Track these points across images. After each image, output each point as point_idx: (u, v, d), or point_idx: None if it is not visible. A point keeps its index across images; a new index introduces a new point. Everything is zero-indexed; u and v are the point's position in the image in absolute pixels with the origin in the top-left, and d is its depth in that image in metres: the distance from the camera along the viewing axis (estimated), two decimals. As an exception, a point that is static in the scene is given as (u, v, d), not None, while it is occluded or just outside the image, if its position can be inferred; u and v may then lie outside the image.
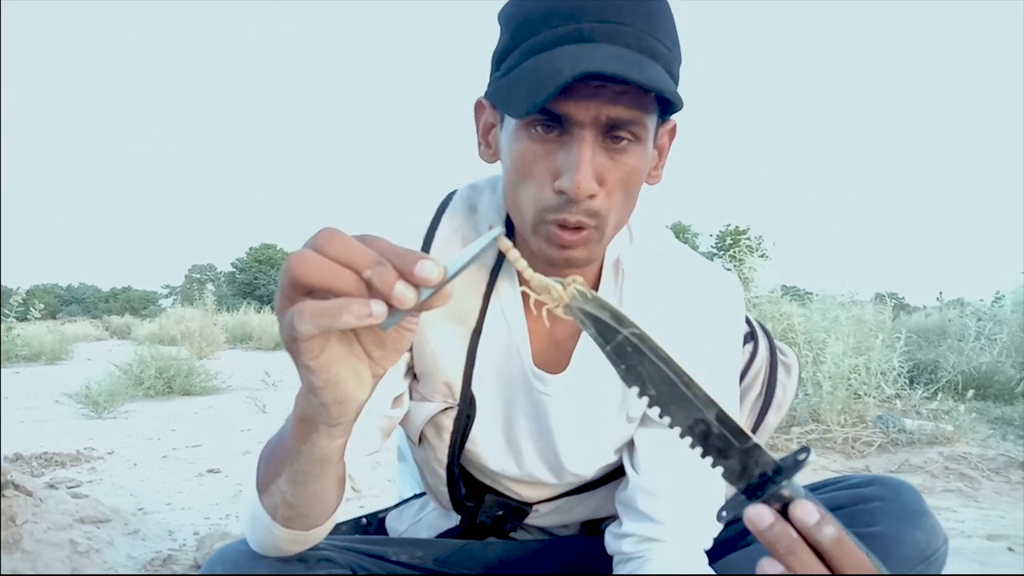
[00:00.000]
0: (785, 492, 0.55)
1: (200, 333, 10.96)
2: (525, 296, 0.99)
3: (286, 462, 0.71)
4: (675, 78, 0.84)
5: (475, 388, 1.00)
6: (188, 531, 2.21)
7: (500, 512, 1.14)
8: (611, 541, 1.04)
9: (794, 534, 0.53)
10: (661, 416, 0.58)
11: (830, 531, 0.53)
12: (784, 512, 0.55)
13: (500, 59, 0.86)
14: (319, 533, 0.84)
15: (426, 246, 0.98)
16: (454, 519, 1.18)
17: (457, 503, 1.11)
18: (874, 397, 3.71)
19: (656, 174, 0.93)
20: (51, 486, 2.99)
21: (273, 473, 0.75)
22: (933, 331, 7.46)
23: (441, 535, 1.19)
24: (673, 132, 0.94)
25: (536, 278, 0.59)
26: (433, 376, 0.99)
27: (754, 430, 1.28)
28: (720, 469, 0.58)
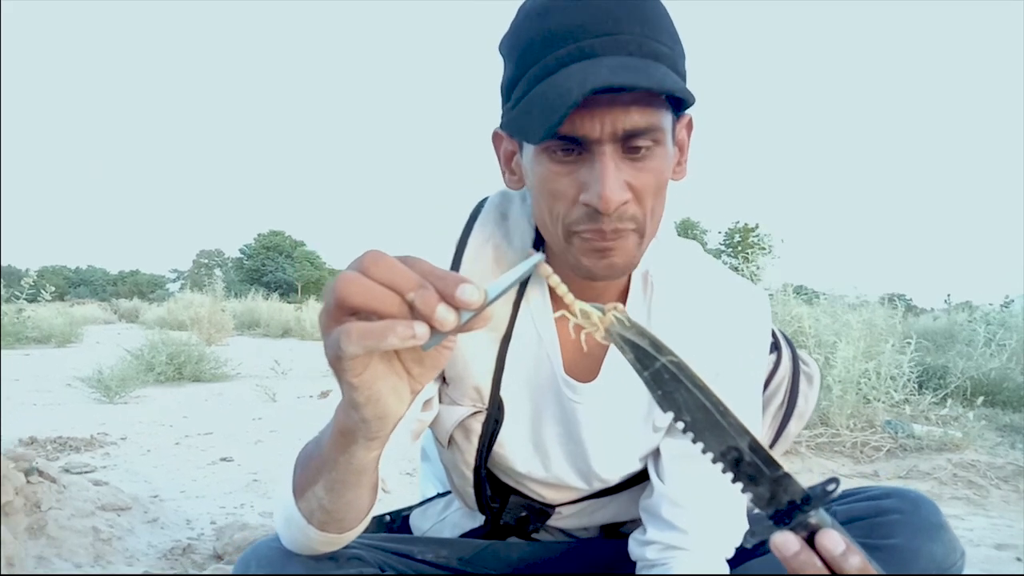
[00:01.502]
0: (812, 520, 0.57)
1: (209, 319, 11.02)
2: (555, 305, 1.01)
3: (323, 470, 0.74)
4: (682, 75, 0.85)
5: (504, 393, 1.02)
6: (205, 520, 2.24)
7: (524, 513, 1.16)
8: (635, 547, 1.06)
9: (819, 563, 0.56)
10: (695, 441, 0.60)
11: (855, 561, 0.55)
12: (810, 540, 0.57)
13: (509, 89, 0.87)
14: (352, 535, 0.86)
15: (459, 253, 1.00)
16: (478, 519, 1.20)
17: (482, 504, 1.13)
18: (883, 402, 3.72)
19: (680, 170, 0.94)
20: (66, 471, 3.04)
21: (310, 480, 0.77)
22: (941, 334, 7.46)
23: (465, 535, 1.21)
24: (690, 126, 0.94)
25: (577, 304, 0.61)
26: (463, 381, 1.02)
27: (776, 438, 1.30)
28: (749, 495, 0.59)
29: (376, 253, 0.55)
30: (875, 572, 0.56)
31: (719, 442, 0.60)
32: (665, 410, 0.60)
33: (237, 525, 1.94)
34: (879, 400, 3.71)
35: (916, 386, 4.11)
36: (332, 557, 0.93)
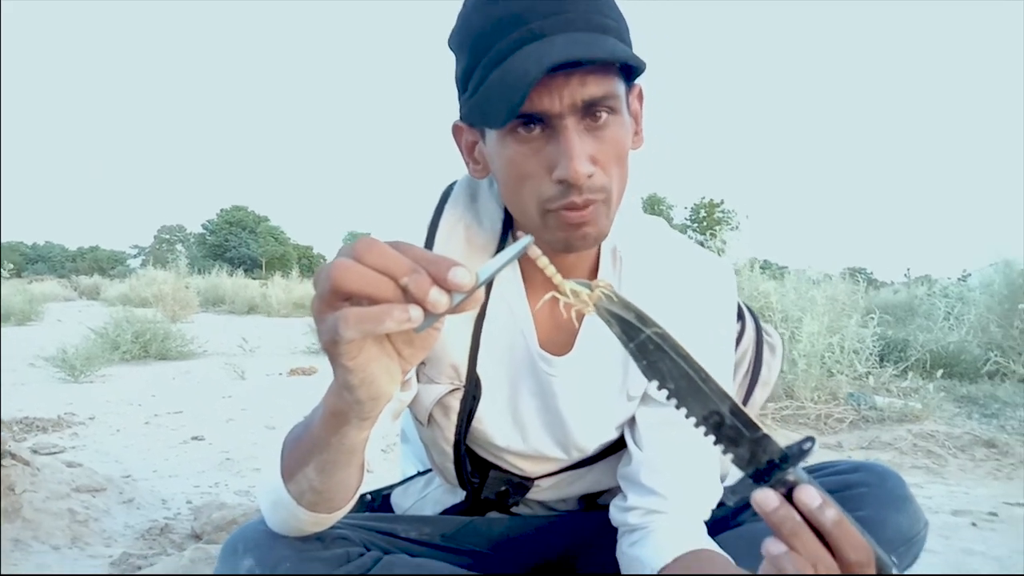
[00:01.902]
0: (790, 478, 0.61)
1: (173, 296, 10.89)
2: (528, 283, 1.03)
3: (315, 451, 0.76)
4: (629, 45, 0.88)
5: (480, 370, 1.05)
6: (181, 500, 2.24)
7: (504, 487, 1.19)
8: (616, 514, 1.09)
9: (797, 517, 0.59)
10: (678, 407, 0.63)
11: (831, 514, 0.59)
12: (789, 496, 0.60)
13: (465, 80, 0.89)
14: (340, 514, 0.89)
15: (431, 235, 1.03)
16: (459, 495, 1.23)
17: (463, 479, 1.16)
18: (846, 375, 3.82)
19: (637, 139, 0.97)
20: (36, 452, 3.00)
21: (300, 462, 0.79)
22: (901, 308, 7.64)
23: (446, 511, 1.24)
24: (641, 96, 0.98)
25: (566, 284, 0.64)
26: (440, 359, 1.04)
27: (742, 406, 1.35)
28: (730, 456, 0.63)
29: (369, 240, 0.57)
30: (850, 523, 0.60)
31: (702, 407, 0.63)
32: (650, 379, 0.63)
33: (215, 504, 1.95)
34: (842, 373, 3.80)
35: (878, 359, 4.22)
36: (319, 537, 0.95)
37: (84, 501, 1.87)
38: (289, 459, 0.82)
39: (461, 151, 1.00)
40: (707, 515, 1.07)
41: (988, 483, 2.71)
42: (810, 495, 0.59)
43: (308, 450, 0.77)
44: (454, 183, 1.09)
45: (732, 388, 1.24)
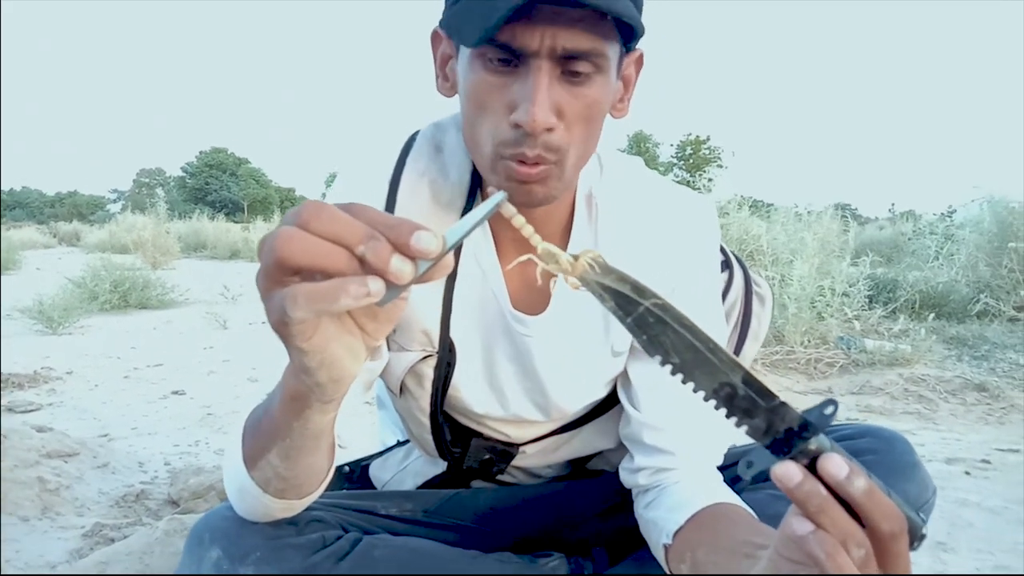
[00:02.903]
0: (812, 447, 0.54)
1: (153, 242, 10.71)
2: (497, 240, 0.96)
3: (276, 437, 0.70)
4: (638, 6, 0.79)
5: (453, 334, 0.98)
6: (159, 461, 2.18)
7: (487, 456, 1.12)
8: (626, 476, 1.04)
9: (824, 492, 0.52)
10: (685, 382, 0.57)
11: (860, 483, 0.52)
12: (811, 468, 0.54)
13: None
14: (312, 499, 0.83)
15: (392, 191, 0.94)
16: (440, 466, 1.17)
17: (443, 450, 1.10)
18: (836, 318, 3.77)
19: (622, 107, 0.89)
20: (10, 410, 2.93)
21: (263, 448, 0.73)
22: (887, 245, 7.61)
23: (427, 482, 1.18)
24: (640, 62, 0.89)
25: (543, 246, 0.56)
26: (410, 325, 0.97)
27: None
28: (745, 428, 0.57)
29: (315, 204, 0.49)
30: (880, 491, 0.53)
31: (711, 380, 0.57)
32: (652, 355, 0.57)
33: (192, 469, 1.88)
34: (832, 316, 3.76)
35: (867, 300, 4.18)
36: (292, 522, 0.89)
37: (55, 467, 1.80)
38: (251, 444, 0.76)
39: (435, 62, 0.90)
40: (719, 461, 1.02)
41: (980, 428, 2.69)
42: (836, 464, 0.52)
43: (270, 435, 0.71)
44: (416, 133, 0.99)
45: (724, 333, 1.17)
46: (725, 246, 1.30)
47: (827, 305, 3.75)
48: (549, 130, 0.76)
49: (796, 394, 3.15)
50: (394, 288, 0.48)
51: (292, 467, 0.73)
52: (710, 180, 5.71)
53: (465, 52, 0.80)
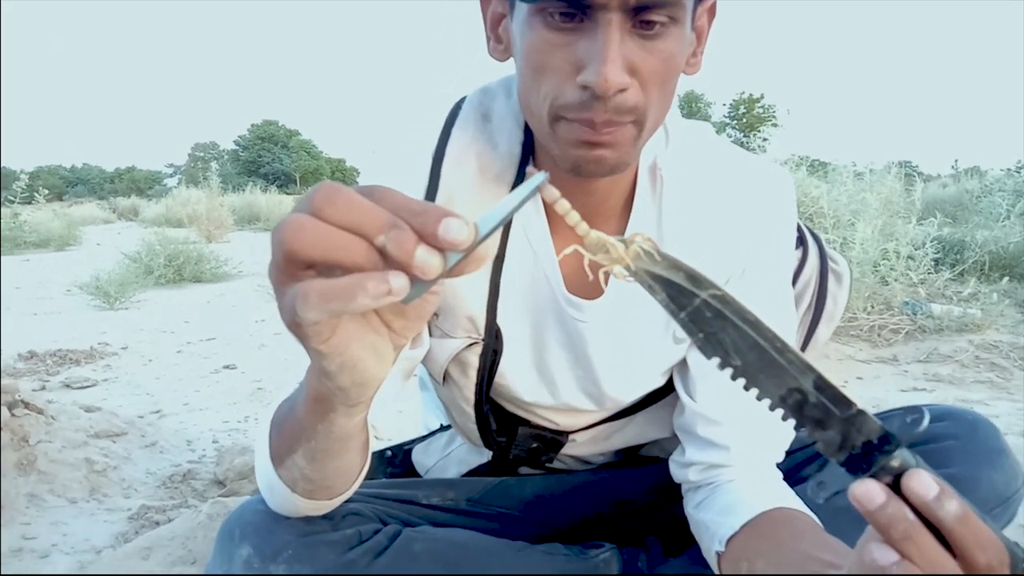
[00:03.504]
0: (895, 463, 0.47)
1: (207, 216, 10.86)
2: (551, 217, 0.88)
3: (301, 439, 0.64)
4: None
5: (501, 321, 0.91)
6: (207, 439, 2.18)
7: (534, 444, 1.06)
8: (676, 470, 0.97)
9: (911, 516, 0.45)
10: (748, 388, 0.49)
11: (952, 506, 0.45)
12: (894, 486, 0.47)
13: None
14: (343, 498, 0.79)
15: (436, 166, 0.86)
16: (485, 454, 1.11)
17: (488, 440, 1.04)
18: (901, 282, 3.60)
19: (694, 62, 0.80)
20: (67, 386, 2.98)
21: (288, 447, 0.68)
22: (951, 203, 7.28)
23: (472, 471, 1.12)
24: (713, 11, 0.80)
25: (592, 235, 0.49)
26: (455, 311, 0.90)
27: (804, 345, 1.19)
28: (818, 442, 0.50)
29: (330, 187, 0.42)
30: (976, 516, 0.46)
31: (778, 385, 0.50)
32: (709, 356, 0.49)
33: (238, 448, 1.86)
34: (897, 281, 3.59)
35: (932, 263, 3.98)
36: (327, 516, 0.84)
37: (103, 448, 1.80)
38: (277, 441, 0.71)
39: (485, 23, 0.82)
40: (780, 458, 0.93)
41: (1059, 398, 2.53)
42: (924, 483, 0.45)
43: (295, 436, 0.65)
44: (462, 100, 0.91)
45: (795, 320, 1.07)
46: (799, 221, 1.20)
47: (891, 269, 3.58)
48: (621, 91, 0.68)
49: (859, 363, 3.02)
50: (420, 283, 0.41)
51: (319, 469, 0.68)
52: (765, 140, 5.52)
53: (522, 9, 0.72)
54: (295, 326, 0.44)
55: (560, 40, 0.69)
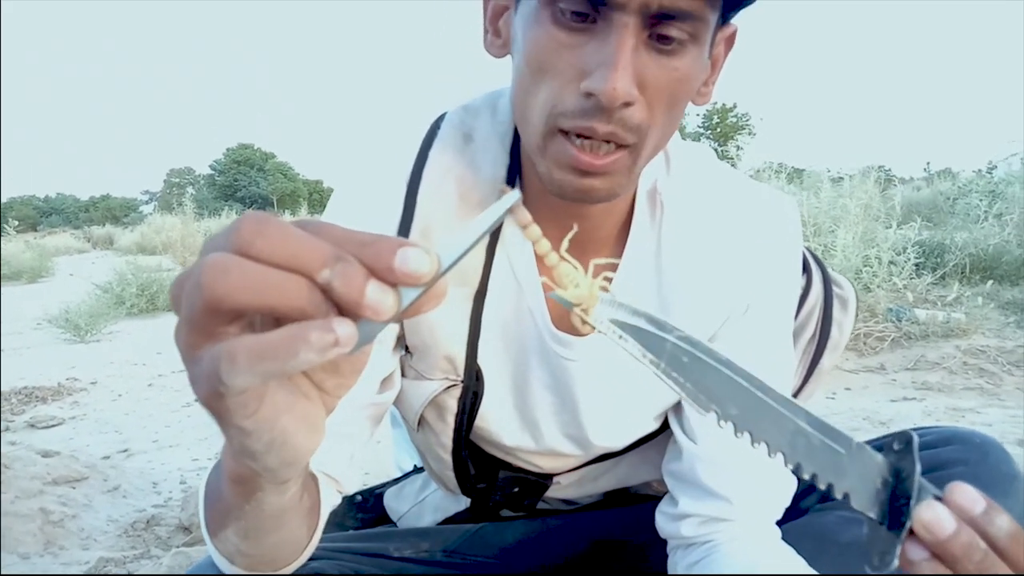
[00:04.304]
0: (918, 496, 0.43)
1: (182, 242, 10.74)
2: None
3: (230, 516, 0.56)
4: None
5: (482, 360, 0.83)
6: (174, 479, 2.08)
7: (516, 489, 0.98)
8: (665, 523, 0.88)
9: (983, 545, 0.42)
10: (755, 443, 0.43)
11: (1004, 523, 0.43)
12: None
13: None
14: (296, 566, 0.69)
15: (412, 191, 0.78)
16: (463, 500, 1.03)
17: (466, 487, 0.95)
18: (884, 288, 3.57)
19: (706, 91, 0.73)
20: (32, 426, 2.86)
21: (219, 522, 0.59)
22: (926, 206, 7.30)
23: (449, 519, 1.04)
24: (732, 40, 0.73)
25: (561, 266, 0.43)
26: (431, 350, 0.81)
27: (808, 375, 1.11)
28: (841, 493, 0.45)
29: (258, 217, 0.34)
30: None
31: (779, 430, 0.44)
32: (705, 408, 0.44)
33: (205, 490, 1.77)
34: (880, 287, 3.55)
35: (914, 268, 3.95)
36: None
37: (61, 495, 1.70)
38: (209, 513, 0.62)
39: (484, 13, 0.74)
40: (780, 514, 0.86)
41: (1051, 403, 2.49)
42: (970, 497, 0.43)
43: (223, 513, 0.56)
44: (440, 119, 0.82)
45: (793, 360, 1.00)
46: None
47: (874, 275, 3.54)
48: (627, 104, 0.61)
49: (847, 372, 2.97)
50: (368, 328, 0.35)
51: (256, 546, 0.60)
52: (739, 148, 5.50)
53: (529, 2, 0.65)
54: (215, 398, 0.35)
55: (568, 40, 0.62)
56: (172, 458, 2.34)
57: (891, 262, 3.64)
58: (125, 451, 2.45)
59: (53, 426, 2.87)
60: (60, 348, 4.75)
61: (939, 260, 4.57)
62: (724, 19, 0.67)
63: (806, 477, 0.44)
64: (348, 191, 0.81)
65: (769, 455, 0.44)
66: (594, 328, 0.44)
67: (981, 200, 5.26)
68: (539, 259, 0.80)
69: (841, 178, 4.98)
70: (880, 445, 0.46)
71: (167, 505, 1.84)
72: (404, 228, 0.77)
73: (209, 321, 0.34)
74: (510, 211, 0.38)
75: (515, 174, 0.78)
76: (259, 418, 0.37)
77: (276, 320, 0.34)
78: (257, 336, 0.33)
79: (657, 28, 0.60)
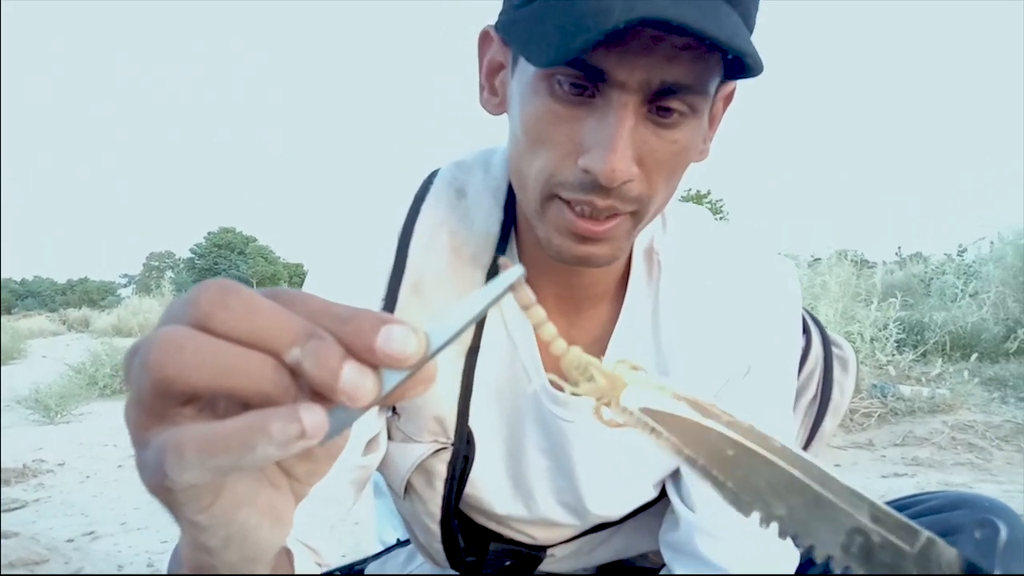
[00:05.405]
0: None
1: (159, 324, 10.59)
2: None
3: None
4: (751, 28, 0.62)
5: (473, 422, 0.79)
6: (141, 561, 1.98)
7: (508, 563, 0.92)
8: None
9: None
10: (799, 543, 0.37)
11: None
12: None
13: None
14: None
15: (403, 245, 0.76)
16: (451, 574, 0.97)
17: (455, 560, 0.89)
18: (868, 364, 3.56)
19: (704, 148, 0.72)
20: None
21: None
22: (900, 287, 7.38)
23: (436, 592, 0.98)
24: (730, 98, 0.73)
25: (571, 353, 0.38)
26: (419, 411, 0.77)
27: (809, 439, 1.08)
28: None
29: (221, 286, 0.31)
30: None
31: (834, 530, 0.36)
32: (747, 513, 0.36)
33: (173, 572, 1.68)
34: (863, 363, 3.55)
35: (895, 344, 3.96)
36: None
37: (19, 580, 1.60)
38: None
39: (480, 69, 0.73)
40: None
41: (1043, 477, 2.46)
42: None
43: None
44: (433, 175, 0.81)
45: (795, 434, 0.97)
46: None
47: (856, 351, 3.53)
48: (625, 182, 0.60)
49: (835, 449, 2.93)
50: (343, 414, 0.31)
51: None
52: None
53: (526, 69, 0.64)
54: (162, 490, 0.32)
55: (566, 114, 0.61)
56: (140, 540, 2.24)
57: (873, 339, 3.65)
58: (91, 533, 2.34)
59: (15, 509, 2.74)
60: (28, 430, 4.60)
61: (919, 337, 4.59)
62: (723, 80, 0.66)
63: None
64: (337, 244, 0.79)
65: (814, 558, 0.39)
66: (621, 423, 0.39)
67: (957, 279, 5.33)
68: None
69: (818, 259, 5.03)
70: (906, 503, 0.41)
71: (132, 588, 1.75)
72: (395, 281, 0.75)
73: (159, 402, 0.30)
74: (511, 289, 0.35)
75: (509, 231, 0.77)
76: (215, 512, 0.33)
77: (243, 403, 0.30)
78: (209, 425, 0.29)
79: (658, 102, 0.60)
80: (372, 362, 0.30)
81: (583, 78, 0.59)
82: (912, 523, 0.39)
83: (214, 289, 0.30)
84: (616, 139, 0.58)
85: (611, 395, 0.37)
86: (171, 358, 0.29)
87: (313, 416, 0.29)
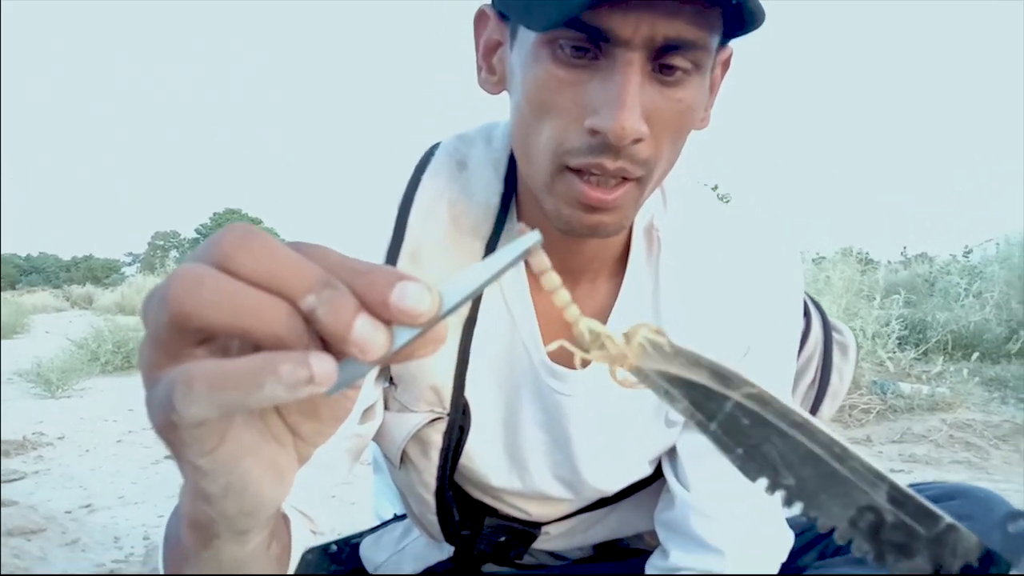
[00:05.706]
0: None
1: (163, 302, 10.59)
2: (533, 273, 0.77)
3: (186, 564, 0.49)
4: None
5: (469, 393, 0.79)
6: (137, 535, 1.99)
7: (503, 538, 0.93)
8: None
9: None
10: (807, 513, 0.37)
11: None
12: None
13: None
14: None
15: (403, 215, 0.76)
16: (446, 549, 0.97)
17: (450, 533, 0.90)
18: (868, 361, 3.56)
19: (705, 116, 0.72)
20: (-9, 479, 2.75)
21: (176, 568, 0.53)
22: (904, 287, 7.38)
23: (429, 569, 0.98)
24: (727, 63, 0.73)
25: (583, 322, 0.38)
26: (416, 380, 0.78)
27: None
28: (903, 572, 0.38)
29: (244, 229, 0.31)
30: None
31: (844, 504, 0.37)
32: (754, 477, 0.37)
33: (169, 545, 1.69)
34: (864, 360, 3.54)
35: (897, 342, 3.96)
36: None
37: (14, 548, 1.61)
38: (168, 556, 0.56)
39: (477, 49, 0.73)
40: (776, 571, 0.81)
41: (1040, 478, 2.46)
42: None
43: (180, 560, 0.50)
44: (435, 147, 0.81)
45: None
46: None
47: (858, 347, 3.54)
48: (636, 140, 0.60)
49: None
50: (353, 367, 0.31)
51: None
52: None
53: (526, 38, 0.63)
54: (169, 428, 0.32)
55: (570, 77, 0.61)
56: (137, 514, 2.25)
57: (875, 335, 3.64)
58: (88, 506, 2.35)
59: (15, 480, 2.75)
60: (29, 403, 4.61)
61: (921, 336, 4.59)
62: (723, 42, 0.66)
63: (874, 559, 0.39)
64: (337, 213, 0.80)
65: (818, 528, 0.39)
66: (635, 383, 0.38)
67: (961, 279, 5.32)
68: (534, 287, 0.77)
69: (823, 257, 5.02)
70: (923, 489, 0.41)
71: (128, 561, 1.75)
72: (393, 250, 0.75)
73: (174, 339, 0.30)
74: (527, 253, 0.34)
75: (508, 203, 0.77)
76: (217, 457, 0.33)
77: (255, 348, 0.30)
78: (220, 361, 0.30)
79: (661, 59, 0.60)
80: (385, 317, 0.30)
81: (585, 39, 0.59)
82: (935, 508, 0.39)
83: (238, 232, 0.31)
84: (624, 95, 0.58)
85: (623, 360, 0.37)
86: (189, 294, 0.29)
87: (323, 364, 0.29)
